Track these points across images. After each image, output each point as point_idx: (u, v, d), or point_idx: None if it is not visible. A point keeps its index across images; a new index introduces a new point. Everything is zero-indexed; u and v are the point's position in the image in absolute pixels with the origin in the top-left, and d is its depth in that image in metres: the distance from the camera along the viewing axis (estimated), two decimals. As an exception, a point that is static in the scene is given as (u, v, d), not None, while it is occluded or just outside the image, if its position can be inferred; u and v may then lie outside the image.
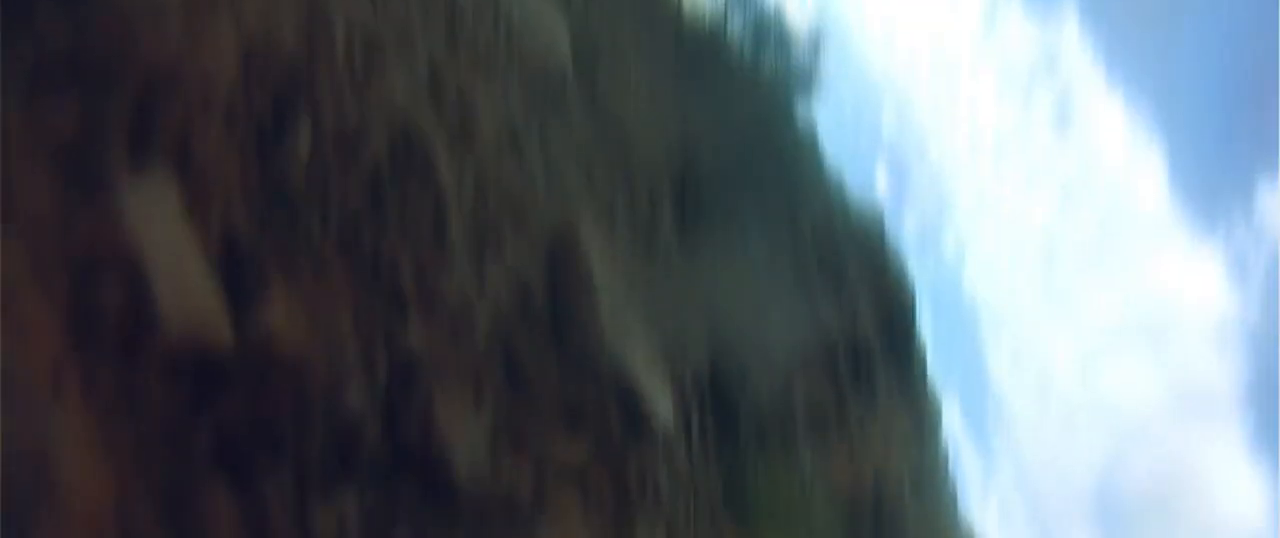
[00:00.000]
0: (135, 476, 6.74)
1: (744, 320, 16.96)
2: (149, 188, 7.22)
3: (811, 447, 18.58)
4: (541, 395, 11.62)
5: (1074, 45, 60.83)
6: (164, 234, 7.20)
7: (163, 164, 7.42)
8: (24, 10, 6.48)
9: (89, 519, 6.29)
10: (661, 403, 13.56)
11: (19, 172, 6.34)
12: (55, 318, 6.38)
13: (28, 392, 6.04)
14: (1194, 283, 56.35)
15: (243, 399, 7.71)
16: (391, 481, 9.11)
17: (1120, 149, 61.14)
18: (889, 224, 24.82)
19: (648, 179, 16.59)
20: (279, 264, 8.36)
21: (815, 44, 23.93)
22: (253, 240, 8.16)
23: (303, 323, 8.37)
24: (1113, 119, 60.68)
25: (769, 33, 22.94)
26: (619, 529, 12.37)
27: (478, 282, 11.11)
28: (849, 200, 23.84)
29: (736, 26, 22.45)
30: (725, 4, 22.21)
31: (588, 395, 12.40)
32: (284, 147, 8.77)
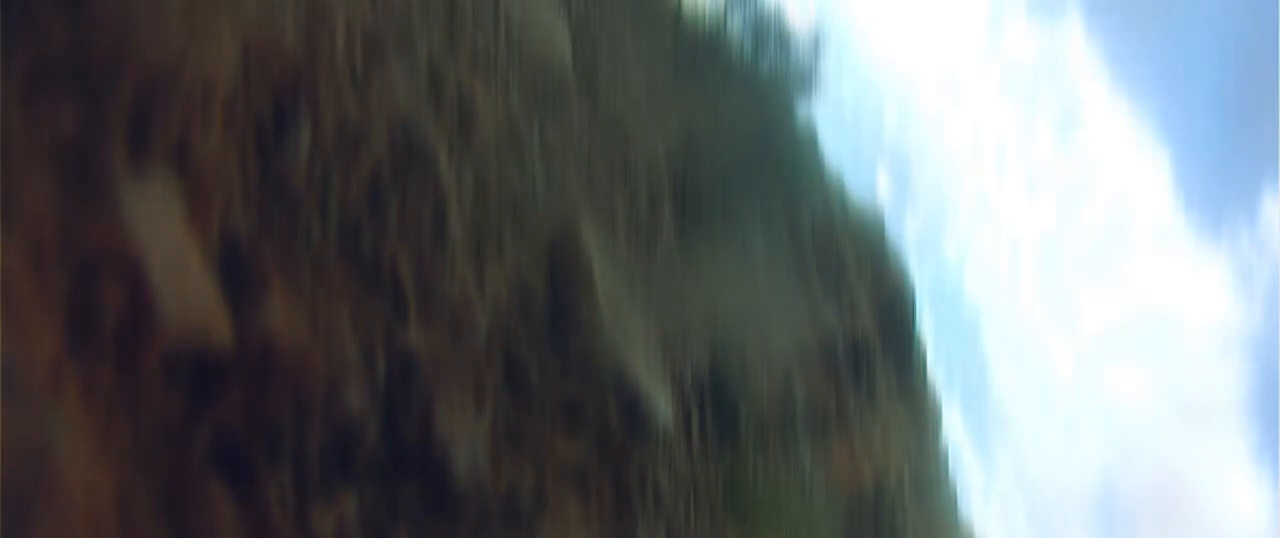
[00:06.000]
0: (135, 476, 6.74)
1: (744, 320, 16.97)
2: (149, 188, 7.22)
3: (811, 446, 18.58)
4: (541, 396, 11.62)
5: (1078, 50, 60.62)
6: (164, 234, 7.20)
7: (163, 164, 7.42)
8: (24, 10, 6.48)
9: (89, 519, 6.29)
10: (661, 403, 13.56)
11: (19, 172, 6.33)
12: (55, 318, 6.38)
13: (28, 392, 6.04)
14: (1197, 290, 56.23)
15: (242, 399, 7.72)
16: (391, 481, 9.11)
17: (1124, 155, 60.95)
18: (890, 225, 24.79)
19: (648, 179, 16.57)
20: (279, 264, 8.36)
21: (815, 44, 23.85)
22: (253, 240, 8.16)
23: (302, 323, 8.37)
24: (1116, 124, 60.49)
25: (769, 33, 22.86)
26: (619, 529, 12.37)
27: (478, 282, 11.10)
28: (849, 201, 23.78)
29: (736, 26, 22.39)
30: (725, 4, 22.15)
31: (588, 396, 12.39)
32: (284, 146, 8.77)
